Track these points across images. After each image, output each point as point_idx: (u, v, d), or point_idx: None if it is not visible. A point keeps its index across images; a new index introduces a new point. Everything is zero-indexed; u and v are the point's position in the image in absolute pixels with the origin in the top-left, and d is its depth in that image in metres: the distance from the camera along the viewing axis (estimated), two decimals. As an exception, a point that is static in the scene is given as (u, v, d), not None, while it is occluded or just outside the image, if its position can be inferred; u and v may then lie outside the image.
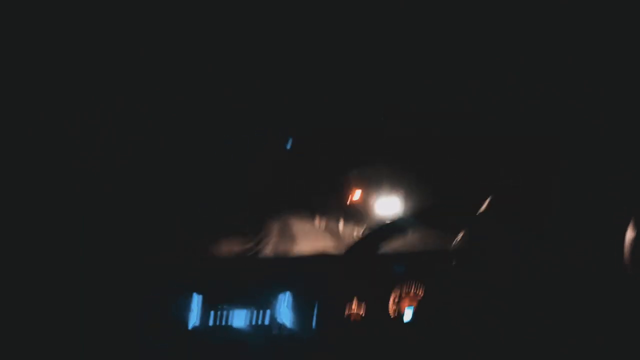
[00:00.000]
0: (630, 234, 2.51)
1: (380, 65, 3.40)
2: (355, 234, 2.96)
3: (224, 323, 2.54)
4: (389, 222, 2.93)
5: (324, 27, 3.23)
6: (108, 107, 3.12)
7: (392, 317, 2.58)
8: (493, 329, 2.42)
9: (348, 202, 3.26)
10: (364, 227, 2.95)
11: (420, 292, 2.58)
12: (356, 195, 3.31)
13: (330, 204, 3.30)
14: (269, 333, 2.52)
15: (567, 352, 2.38)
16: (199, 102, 3.31)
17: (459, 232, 2.87)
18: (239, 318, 2.56)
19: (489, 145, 3.67)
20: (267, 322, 2.54)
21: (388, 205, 3.27)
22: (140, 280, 2.63)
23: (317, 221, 3.24)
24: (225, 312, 2.55)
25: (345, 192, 3.31)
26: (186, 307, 2.56)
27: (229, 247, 3.01)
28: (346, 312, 2.54)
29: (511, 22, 3.18)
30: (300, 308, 2.54)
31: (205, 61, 3.27)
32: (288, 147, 3.34)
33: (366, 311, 2.58)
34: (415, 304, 2.58)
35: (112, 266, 2.64)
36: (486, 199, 3.26)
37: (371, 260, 2.71)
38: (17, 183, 2.75)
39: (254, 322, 2.55)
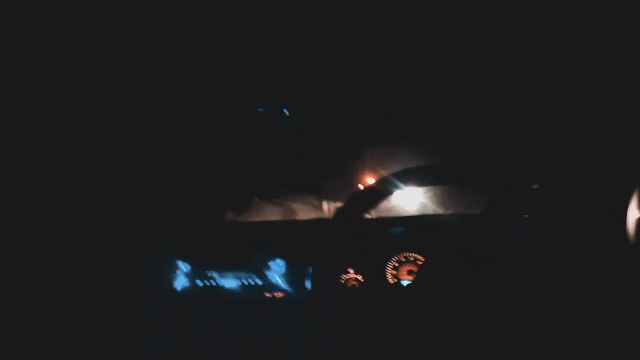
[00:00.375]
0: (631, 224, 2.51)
1: (379, 66, 3.40)
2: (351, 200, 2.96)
3: (214, 284, 2.51)
4: (385, 188, 2.95)
5: (324, 28, 3.23)
6: (108, 107, 3.12)
7: (388, 283, 2.57)
8: (493, 328, 2.43)
9: (347, 184, 3.28)
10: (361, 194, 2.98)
11: (418, 258, 2.58)
12: (356, 176, 3.33)
13: (328, 184, 3.33)
14: (261, 295, 2.50)
15: (567, 352, 2.39)
16: (199, 102, 3.32)
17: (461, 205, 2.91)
18: (230, 280, 2.53)
19: (488, 145, 3.67)
20: (259, 283, 2.51)
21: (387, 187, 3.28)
22: (139, 278, 2.63)
23: (314, 197, 3.26)
24: (215, 274, 2.53)
25: (345, 174, 3.32)
26: (175, 271, 2.55)
27: (224, 214, 3.04)
28: (341, 277, 2.53)
29: (511, 22, 3.18)
30: (294, 271, 2.52)
31: (205, 61, 3.27)
32: (287, 113, 3.34)
33: (362, 276, 2.57)
34: (413, 271, 2.57)
35: (112, 265, 2.63)
36: (487, 198, 3.25)
37: (367, 223, 2.70)
38: (17, 183, 2.75)
39: (245, 283, 2.52)
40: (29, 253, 2.68)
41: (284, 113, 3.34)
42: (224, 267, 2.55)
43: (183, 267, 2.57)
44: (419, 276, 2.55)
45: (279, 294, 2.48)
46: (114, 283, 2.55)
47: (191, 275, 2.55)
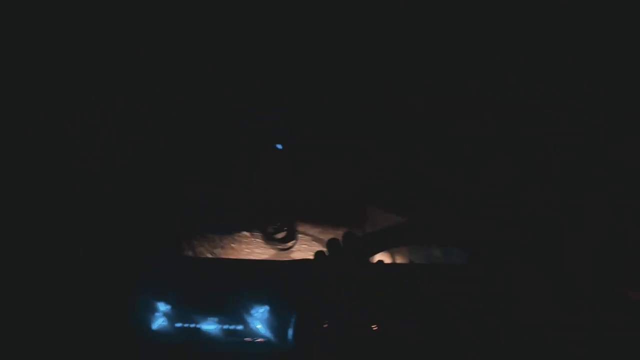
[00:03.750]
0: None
1: (378, 66, 3.40)
2: (340, 241, 2.88)
3: (192, 325, 2.41)
4: (377, 229, 2.89)
5: (323, 28, 3.23)
6: (108, 107, 3.12)
7: (378, 331, 2.49)
8: (492, 329, 2.42)
9: (336, 210, 3.26)
10: (351, 235, 2.92)
11: (412, 306, 2.52)
12: (347, 204, 3.31)
13: (316, 209, 3.30)
14: (241, 339, 2.39)
15: (568, 352, 2.39)
16: (199, 102, 3.32)
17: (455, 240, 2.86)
18: (208, 322, 2.43)
19: (488, 145, 3.67)
20: (239, 327, 2.41)
21: (379, 214, 3.26)
22: (134, 278, 2.55)
23: (301, 227, 3.23)
24: (194, 316, 2.41)
25: (334, 200, 3.31)
26: (153, 311, 2.41)
27: (207, 251, 3.00)
28: (327, 324, 2.44)
29: (511, 23, 3.18)
30: (277, 316, 2.41)
31: (205, 61, 3.27)
32: (279, 147, 3.34)
33: (349, 323, 2.48)
34: (404, 318, 2.51)
35: (111, 266, 2.59)
36: (482, 200, 3.25)
37: (356, 267, 2.62)
38: (17, 183, 2.76)
39: (224, 327, 2.43)
40: (28, 252, 2.66)
41: (276, 148, 3.33)
42: (204, 309, 2.44)
43: (162, 307, 2.43)
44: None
45: (259, 340, 2.38)
46: (111, 283, 2.48)
47: (170, 316, 2.43)
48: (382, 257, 2.82)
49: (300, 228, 3.15)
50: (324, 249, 2.54)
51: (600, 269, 2.68)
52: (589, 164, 3.36)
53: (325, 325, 2.41)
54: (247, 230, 3.11)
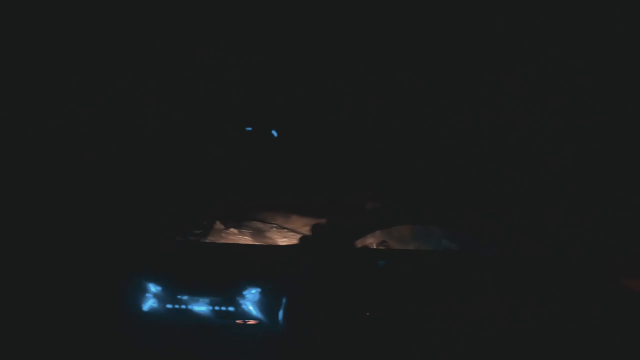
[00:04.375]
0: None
1: (378, 66, 3.40)
2: (333, 226, 2.85)
3: (182, 307, 2.33)
4: (371, 215, 2.89)
5: (323, 28, 3.22)
6: (108, 107, 3.11)
7: (370, 314, 2.49)
8: (491, 329, 2.43)
9: (332, 198, 3.26)
10: (345, 219, 2.91)
11: (404, 291, 2.52)
12: (342, 191, 3.30)
13: (314, 198, 3.30)
14: (232, 321, 2.36)
15: (566, 353, 2.39)
16: (199, 102, 3.31)
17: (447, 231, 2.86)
18: (200, 304, 2.35)
19: (487, 145, 3.66)
20: (231, 309, 2.33)
21: (373, 201, 3.24)
22: (108, 298, 2.48)
23: (293, 215, 3.22)
24: (186, 298, 2.34)
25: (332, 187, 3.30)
26: (144, 293, 2.35)
27: (200, 235, 2.98)
28: (318, 308, 2.44)
29: (512, 22, 3.18)
30: (269, 298, 2.35)
31: (204, 61, 3.26)
32: (275, 134, 3.33)
33: (341, 307, 2.48)
34: (399, 304, 2.51)
35: (103, 249, 2.53)
36: (482, 197, 3.24)
37: (348, 252, 2.62)
38: (16, 183, 2.75)
39: (216, 308, 2.34)
40: (27, 251, 2.64)
41: (272, 134, 3.33)
42: (195, 291, 2.35)
43: (153, 288, 2.36)
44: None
45: (250, 322, 2.35)
46: (79, 300, 2.41)
47: (161, 298, 2.34)
48: (369, 241, 2.84)
49: (290, 225, 3.16)
50: (310, 235, 2.54)
51: (599, 260, 2.68)
52: (587, 158, 3.36)
53: (316, 308, 2.41)
54: (233, 227, 3.11)
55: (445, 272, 2.50)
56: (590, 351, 2.38)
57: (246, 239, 3.08)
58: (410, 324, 2.33)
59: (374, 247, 2.87)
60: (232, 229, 3.08)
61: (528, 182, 3.46)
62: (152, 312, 2.38)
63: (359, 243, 2.63)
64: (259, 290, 2.36)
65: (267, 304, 2.38)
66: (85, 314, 2.35)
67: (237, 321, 2.41)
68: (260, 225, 3.17)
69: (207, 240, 2.91)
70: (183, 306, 2.37)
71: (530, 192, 3.46)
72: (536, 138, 3.50)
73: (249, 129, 3.20)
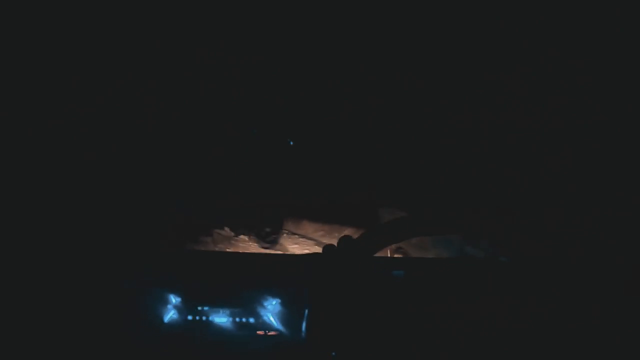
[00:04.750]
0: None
1: (378, 66, 3.40)
2: (352, 236, 2.88)
3: (204, 319, 2.33)
4: (388, 224, 2.89)
5: (323, 28, 3.22)
6: (108, 107, 3.11)
7: (387, 325, 2.47)
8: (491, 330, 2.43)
9: (345, 203, 3.26)
10: (363, 230, 2.92)
11: (419, 300, 2.50)
12: (355, 197, 3.30)
13: (326, 204, 3.30)
14: (253, 332, 2.34)
15: (566, 353, 2.39)
16: (199, 102, 3.31)
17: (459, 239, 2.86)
18: (221, 315, 2.34)
19: (487, 145, 3.65)
20: (251, 320, 2.33)
21: (388, 208, 3.24)
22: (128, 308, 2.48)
23: (310, 222, 3.23)
24: (206, 309, 2.33)
25: (342, 193, 3.30)
26: (165, 304, 2.33)
27: (219, 245, 2.99)
28: (338, 318, 2.42)
29: (512, 22, 3.18)
30: (289, 309, 2.35)
31: (204, 61, 3.26)
32: (290, 142, 3.32)
33: (360, 318, 2.46)
34: (414, 313, 2.49)
35: (124, 259, 2.53)
36: (485, 200, 3.23)
37: (368, 263, 2.61)
38: (16, 183, 2.75)
39: (237, 320, 2.32)
40: (26, 250, 2.64)
41: (288, 142, 3.32)
42: (216, 302, 2.34)
43: (173, 299, 2.35)
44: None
45: (271, 333, 2.33)
46: (99, 312, 2.40)
47: (181, 309, 2.34)
48: (388, 251, 2.83)
49: (301, 231, 3.16)
50: (333, 244, 2.53)
51: (599, 260, 2.68)
52: (587, 158, 3.36)
53: (337, 318, 2.39)
54: (244, 234, 3.11)
55: (445, 272, 2.50)
56: (590, 351, 2.39)
57: (256, 246, 3.08)
58: (410, 324, 2.33)
59: (389, 255, 2.86)
60: (242, 236, 3.09)
61: (528, 182, 3.47)
62: (173, 324, 2.39)
63: (377, 251, 2.62)
64: (279, 300, 2.36)
65: (288, 314, 2.39)
66: (106, 326, 2.35)
67: (258, 332, 2.41)
68: (270, 231, 3.18)
69: (216, 249, 2.92)
70: (204, 317, 2.37)
71: (530, 192, 3.47)
72: (536, 138, 3.51)
73: (254, 131, 3.20)
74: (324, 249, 2.46)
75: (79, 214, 2.70)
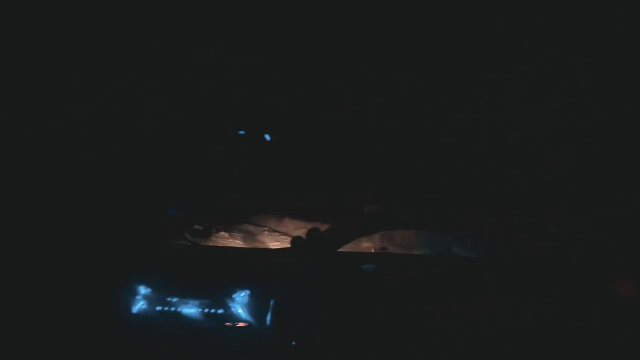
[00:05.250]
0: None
1: (378, 66, 3.40)
2: (326, 230, 2.85)
3: (173, 310, 2.33)
4: (357, 218, 2.87)
5: (323, 28, 3.22)
6: (108, 107, 3.12)
7: (356, 318, 2.48)
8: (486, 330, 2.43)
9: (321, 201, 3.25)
10: (333, 225, 2.90)
11: (393, 295, 2.51)
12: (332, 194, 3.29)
13: (303, 201, 3.29)
14: (222, 323, 2.34)
15: (565, 353, 2.39)
16: (199, 102, 3.31)
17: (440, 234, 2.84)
18: (190, 306, 2.35)
19: (487, 145, 3.66)
20: (220, 311, 2.33)
21: (365, 204, 3.23)
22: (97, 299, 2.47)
23: (286, 218, 3.22)
24: (175, 300, 2.34)
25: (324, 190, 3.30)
26: (134, 294, 2.34)
27: (190, 237, 2.98)
28: (306, 311, 2.44)
29: (512, 22, 3.18)
30: (257, 301, 2.35)
31: (204, 61, 3.26)
32: (268, 138, 3.33)
33: (328, 310, 2.47)
34: (390, 307, 2.49)
35: (94, 251, 2.52)
36: (481, 197, 3.23)
37: (336, 257, 2.62)
38: (16, 183, 2.76)
39: (206, 311, 2.34)
40: (25, 249, 2.63)
41: (265, 138, 3.32)
42: (185, 293, 2.35)
43: (143, 290, 2.36)
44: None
45: (240, 324, 2.34)
46: (68, 301, 2.39)
47: (151, 299, 2.34)
48: (365, 245, 2.82)
49: (283, 228, 3.15)
50: (302, 238, 2.53)
51: (599, 260, 2.68)
52: (587, 158, 3.36)
53: (305, 311, 2.39)
54: (225, 230, 3.10)
55: (445, 272, 2.50)
56: (590, 351, 2.39)
57: (237, 243, 3.08)
58: (409, 324, 2.33)
59: (372, 251, 2.86)
60: (222, 233, 3.09)
61: (528, 182, 3.47)
62: (141, 314, 2.36)
63: (353, 247, 2.61)
64: (248, 292, 2.35)
65: (257, 306, 2.37)
66: (74, 315, 2.34)
67: (227, 324, 2.39)
68: (251, 228, 3.17)
69: (197, 244, 2.91)
70: (173, 308, 2.36)
71: (530, 192, 3.47)
72: (536, 138, 3.51)
73: (242, 132, 3.20)
74: (292, 241, 2.46)
75: (60, 206, 2.69)
